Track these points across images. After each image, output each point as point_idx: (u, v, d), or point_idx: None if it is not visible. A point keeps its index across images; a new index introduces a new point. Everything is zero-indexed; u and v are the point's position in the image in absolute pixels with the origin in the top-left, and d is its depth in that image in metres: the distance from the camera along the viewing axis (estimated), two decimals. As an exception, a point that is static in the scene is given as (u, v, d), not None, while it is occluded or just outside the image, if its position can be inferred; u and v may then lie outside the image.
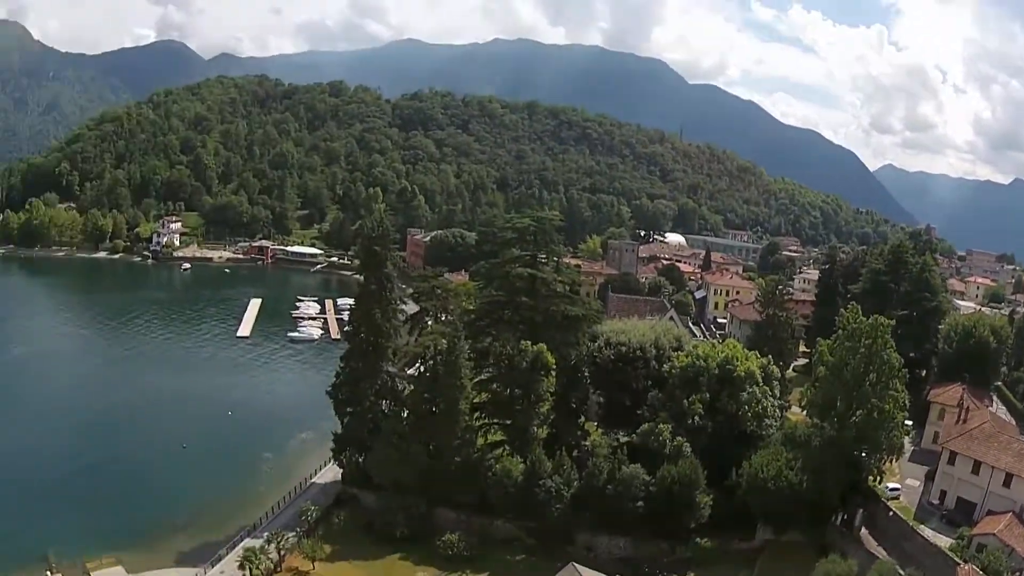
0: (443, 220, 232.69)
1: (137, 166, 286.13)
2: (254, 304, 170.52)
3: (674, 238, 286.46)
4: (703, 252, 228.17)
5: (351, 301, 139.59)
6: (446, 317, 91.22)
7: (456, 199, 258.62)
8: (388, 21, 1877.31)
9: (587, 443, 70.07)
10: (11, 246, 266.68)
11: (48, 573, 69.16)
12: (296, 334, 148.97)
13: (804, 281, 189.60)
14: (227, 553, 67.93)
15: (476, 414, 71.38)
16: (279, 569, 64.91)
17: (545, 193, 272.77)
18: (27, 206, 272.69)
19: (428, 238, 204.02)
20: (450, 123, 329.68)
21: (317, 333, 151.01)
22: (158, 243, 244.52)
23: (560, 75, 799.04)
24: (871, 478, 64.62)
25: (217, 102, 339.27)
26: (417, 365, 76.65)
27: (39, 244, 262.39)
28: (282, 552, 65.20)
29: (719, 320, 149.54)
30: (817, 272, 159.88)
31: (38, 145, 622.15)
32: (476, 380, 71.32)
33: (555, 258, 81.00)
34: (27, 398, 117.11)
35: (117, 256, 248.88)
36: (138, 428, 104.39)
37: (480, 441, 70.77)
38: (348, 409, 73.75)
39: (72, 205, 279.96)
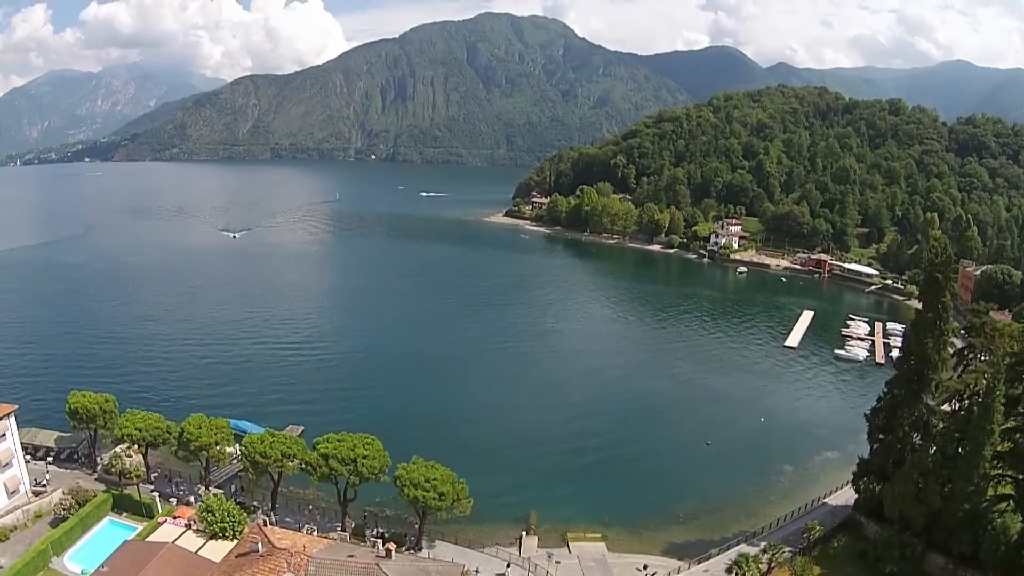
0: (992, 254, 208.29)
1: (697, 166, 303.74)
2: (806, 316, 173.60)
3: None
4: None
5: (899, 326, 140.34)
6: (990, 357, 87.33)
7: (1005, 234, 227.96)
8: (936, 39, 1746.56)
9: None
10: (558, 227, 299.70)
11: (524, 533, 74.27)
12: (842, 352, 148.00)
13: None
14: (718, 554, 70.61)
15: (994, 462, 67.83)
16: None
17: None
18: (577, 192, 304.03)
19: (978, 272, 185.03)
20: (1001, 152, 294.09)
21: (863, 355, 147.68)
22: (715, 243, 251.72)
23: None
24: None
25: (778, 110, 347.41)
26: (953, 402, 74.97)
27: (587, 229, 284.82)
28: (772, 564, 66.72)
29: None
30: None
31: (587, 136, 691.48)
32: (1004, 427, 68.21)
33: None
34: (554, 371, 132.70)
35: (671, 251, 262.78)
36: (666, 417, 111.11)
37: (989, 492, 67.30)
38: (880, 436, 74.24)
39: (627, 196, 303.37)
